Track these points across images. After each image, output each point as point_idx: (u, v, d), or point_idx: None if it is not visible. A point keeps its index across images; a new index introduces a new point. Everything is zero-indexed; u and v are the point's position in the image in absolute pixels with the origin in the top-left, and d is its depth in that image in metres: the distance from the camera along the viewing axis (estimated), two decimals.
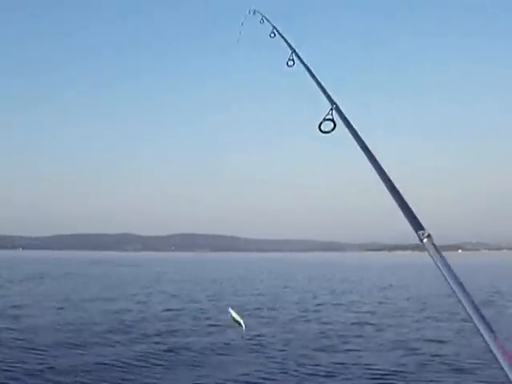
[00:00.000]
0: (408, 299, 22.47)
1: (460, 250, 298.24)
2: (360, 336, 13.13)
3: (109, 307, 18.61)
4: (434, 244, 1.60)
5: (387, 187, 1.90)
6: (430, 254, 1.58)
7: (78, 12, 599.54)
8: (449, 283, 1.46)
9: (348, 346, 11.80)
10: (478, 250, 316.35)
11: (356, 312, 18.02)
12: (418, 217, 1.71)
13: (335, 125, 2.35)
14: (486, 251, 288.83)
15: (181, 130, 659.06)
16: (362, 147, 2.14)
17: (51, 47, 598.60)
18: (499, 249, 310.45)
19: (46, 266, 60.95)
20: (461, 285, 1.44)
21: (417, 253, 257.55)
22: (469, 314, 1.35)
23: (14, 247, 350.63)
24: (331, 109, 2.41)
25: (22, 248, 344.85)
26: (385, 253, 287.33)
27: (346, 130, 2.26)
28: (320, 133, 2.35)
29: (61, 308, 18.29)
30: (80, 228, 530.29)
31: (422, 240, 1.63)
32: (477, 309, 1.35)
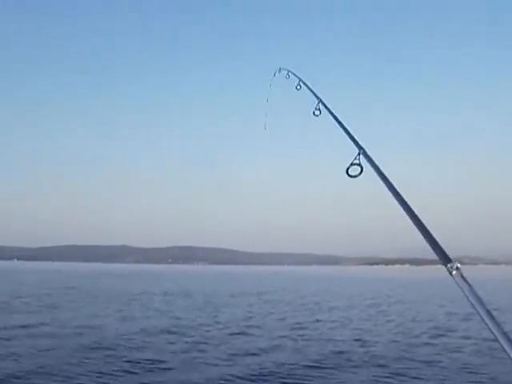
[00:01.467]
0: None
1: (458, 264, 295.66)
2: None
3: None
4: (463, 276, 1.66)
5: (414, 223, 1.96)
6: (459, 286, 1.63)
7: (81, 12, 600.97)
8: (479, 314, 1.52)
9: None
10: (475, 264, 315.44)
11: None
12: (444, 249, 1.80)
13: (362, 169, 2.43)
14: (484, 266, 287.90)
15: (181, 142, 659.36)
16: (389, 188, 2.26)
17: (50, 49, 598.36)
18: (497, 263, 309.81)
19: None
20: (491, 316, 1.50)
21: (414, 267, 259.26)
22: (501, 345, 1.43)
23: (8, 258, 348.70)
24: (358, 153, 2.49)
25: (17, 259, 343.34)
26: (382, 267, 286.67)
27: (374, 173, 2.39)
28: (348, 177, 2.43)
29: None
30: (77, 239, 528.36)
31: (451, 273, 1.68)
32: (509, 340, 1.44)
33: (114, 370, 10.10)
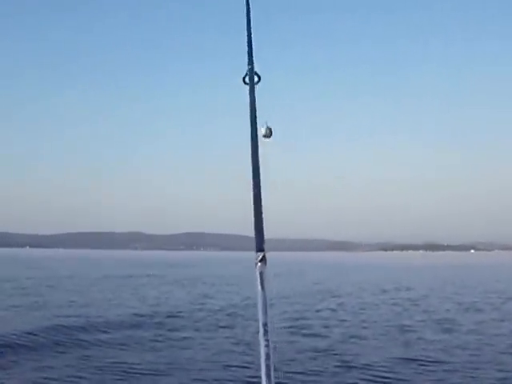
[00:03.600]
0: None
1: (472, 250, 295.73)
2: None
3: None
4: (262, 272, 1.66)
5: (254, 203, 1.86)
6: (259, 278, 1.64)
7: (83, 8, 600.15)
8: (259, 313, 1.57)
9: None
10: (490, 249, 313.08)
11: None
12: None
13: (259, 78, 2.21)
14: (499, 251, 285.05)
15: (189, 130, 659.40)
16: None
17: (54, 43, 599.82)
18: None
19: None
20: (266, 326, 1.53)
21: (430, 252, 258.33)
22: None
23: (21, 245, 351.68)
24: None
25: (30, 246, 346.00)
26: (397, 252, 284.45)
27: None
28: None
29: None
30: (88, 226, 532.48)
31: (255, 263, 1.68)
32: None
33: None
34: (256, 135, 2.05)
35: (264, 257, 1.69)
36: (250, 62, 2.26)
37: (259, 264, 1.67)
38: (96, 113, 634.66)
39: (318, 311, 17.94)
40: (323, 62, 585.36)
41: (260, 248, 1.73)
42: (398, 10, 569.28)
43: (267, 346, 1.48)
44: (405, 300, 21.78)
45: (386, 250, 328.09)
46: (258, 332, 1.49)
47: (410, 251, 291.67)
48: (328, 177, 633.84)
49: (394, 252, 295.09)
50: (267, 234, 1.77)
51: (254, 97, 2.15)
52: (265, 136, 2.21)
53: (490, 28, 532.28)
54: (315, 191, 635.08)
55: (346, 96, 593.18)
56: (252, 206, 1.84)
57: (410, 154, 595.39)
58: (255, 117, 2.08)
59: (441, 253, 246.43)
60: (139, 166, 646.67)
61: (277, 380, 1.43)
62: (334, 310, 18.22)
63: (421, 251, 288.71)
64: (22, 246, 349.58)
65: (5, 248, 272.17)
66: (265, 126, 2.22)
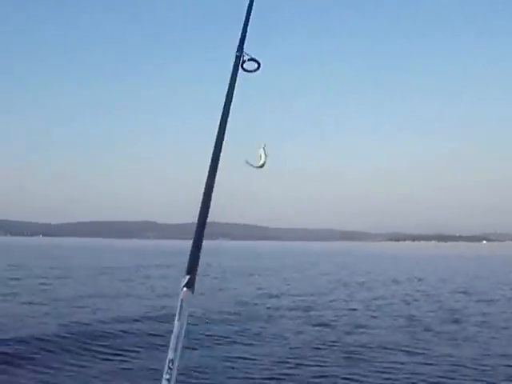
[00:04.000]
0: None
1: (484, 241, 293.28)
2: None
3: None
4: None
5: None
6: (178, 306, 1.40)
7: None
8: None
9: None
10: (502, 240, 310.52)
11: None
12: None
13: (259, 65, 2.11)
14: (511, 242, 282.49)
15: (203, 119, 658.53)
16: None
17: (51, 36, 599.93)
18: None
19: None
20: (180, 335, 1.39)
21: (442, 243, 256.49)
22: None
23: (33, 234, 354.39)
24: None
25: (43, 235, 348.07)
26: (409, 243, 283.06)
27: None
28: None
29: None
30: (99, 215, 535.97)
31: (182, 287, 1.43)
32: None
33: None
34: (226, 122, 1.88)
35: (192, 281, 1.40)
36: (241, 47, 2.12)
37: (184, 289, 1.40)
38: (112, 103, 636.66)
39: (329, 302, 17.93)
40: (329, 56, 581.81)
41: (191, 269, 1.43)
42: (404, 5, 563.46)
43: (169, 381, 1.30)
44: (416, 291, 21.69)
45: (397, 240, 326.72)
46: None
47: (422, 241, 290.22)
48: (338, 166, 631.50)
49: (406, 242, 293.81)
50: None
51: (234, 84, 2.00)
52: (258, 166, 2.05)
53: (496, 23, 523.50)
54: (325, 180, 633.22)
55: (358, 88, 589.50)
56: (199, 208, 1.57)
57: (421, 143, 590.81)
58: (230, 102, 1.92)
59: (453, 243, 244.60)
60: (151, 155, 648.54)
61: None
62: (344, 301, 18.20)
63: (433, 242, 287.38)
64: (35, 234, 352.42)
65: (18, 237, 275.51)
66: (262, 153, 2.07)
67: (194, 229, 1.55)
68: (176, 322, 1.39)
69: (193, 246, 1.52)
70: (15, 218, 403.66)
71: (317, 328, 12.60)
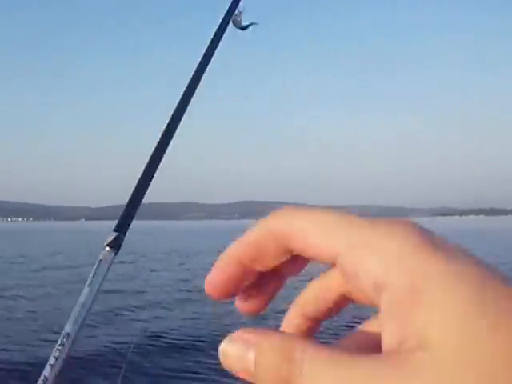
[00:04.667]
0: None
1: None
2: None
3: None
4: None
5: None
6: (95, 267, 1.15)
7: None
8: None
9: None
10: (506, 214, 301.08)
11: None
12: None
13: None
14: None
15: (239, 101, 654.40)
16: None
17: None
18: None
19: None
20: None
21: (491, 217, 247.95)
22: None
23: (75, 218, 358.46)
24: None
25: (85, 219, 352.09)
26: (457, 217, 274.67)
27: None
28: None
29: None
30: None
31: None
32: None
33: None
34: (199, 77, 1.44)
35: (118, 241, 1.10)
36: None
37: (106, 248, 1.09)
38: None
39: None
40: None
41: (120, 226, 1.14)
42: None
43: (57, 359, 0.96)
44: None
45: (443, 214, 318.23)
46: None
47: (471, 216, 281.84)
48: (375, 139, 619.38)
49: (455, 217, 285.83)
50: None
51: (219, 39, 1.51)
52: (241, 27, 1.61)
53: None
54: (363, 155, 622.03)
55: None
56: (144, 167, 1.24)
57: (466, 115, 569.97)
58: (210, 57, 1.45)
59: (503, 217, 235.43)
60: (191, 135, 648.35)
61: None
62: None
63: (481, 216, 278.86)
64: (77, 219, 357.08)
65: (61, 221, 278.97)
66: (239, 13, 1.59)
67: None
68: (86, 288, 1.06)
69: (128, 201, 1.24)
70: (56, 202, 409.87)
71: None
